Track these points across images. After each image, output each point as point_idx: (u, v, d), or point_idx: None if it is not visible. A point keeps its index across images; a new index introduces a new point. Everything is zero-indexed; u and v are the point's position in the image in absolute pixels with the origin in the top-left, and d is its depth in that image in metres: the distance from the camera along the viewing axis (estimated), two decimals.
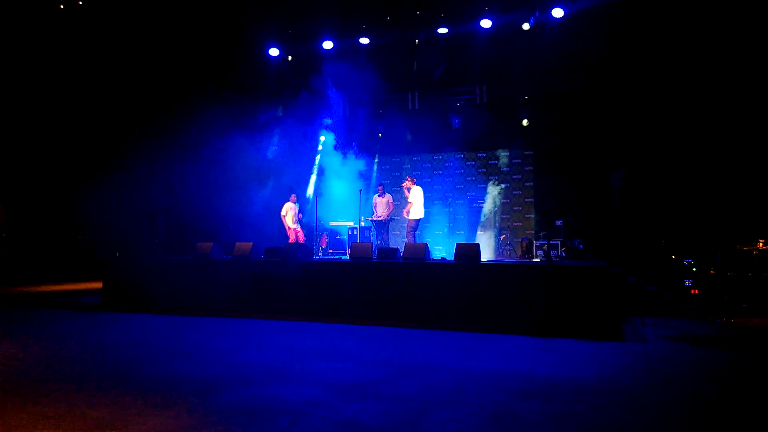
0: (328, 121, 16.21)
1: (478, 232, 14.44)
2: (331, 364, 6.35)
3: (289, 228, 13.84)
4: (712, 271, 10.64)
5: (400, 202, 16.83)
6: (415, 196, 12.28)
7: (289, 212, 13.88)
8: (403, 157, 17.41)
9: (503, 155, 16.07)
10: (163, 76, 16.24)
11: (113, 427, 4.30)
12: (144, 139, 17.03)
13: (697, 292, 11.03)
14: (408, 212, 12.28)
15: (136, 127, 17.20)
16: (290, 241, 13.68)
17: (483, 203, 14.58)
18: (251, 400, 4.94)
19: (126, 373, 5.92)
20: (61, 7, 14.64)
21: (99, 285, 11.67)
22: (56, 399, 4.96)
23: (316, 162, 16.55)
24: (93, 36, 15.87)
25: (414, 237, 12.23)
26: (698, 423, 4.52)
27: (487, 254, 13.19)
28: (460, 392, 5.22)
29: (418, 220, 12.24)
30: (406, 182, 12.53)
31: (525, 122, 15.35)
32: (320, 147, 16.76)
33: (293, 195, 14.14)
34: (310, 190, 15.31)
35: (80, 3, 14.54)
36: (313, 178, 16.36)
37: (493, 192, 15.45)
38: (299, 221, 14.09)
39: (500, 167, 16.06)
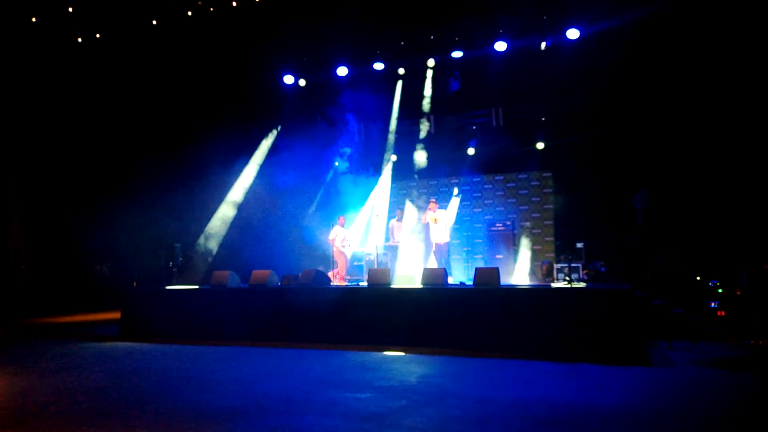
0: (347, 150, 16.23)
1: (497, 256, 14.26)
2: (351, 393, 6.22)
3: (339, 252, 13.12)
4: (738, 292, 10.36)
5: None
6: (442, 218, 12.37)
7: (338, 236, 13.19)
8: (419, 181, 17.35)
9: (521, 177, 15.93)
10: (177, 106, 16.46)
11: None
12: (160, 169, 17.21)
13: (723, 314, 10.74)
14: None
15: (151, 157, 17.38)
16: (339, 267, 13.12)
17: (501, 227, 14.39)
18: (272, 431, 4.83)
19: (146, 404, 5.85)
20: (79, 40, 14.94)
21: (117, 315, 11.67)
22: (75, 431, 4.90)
23: (332, 187, 16.55)
24: (109, 69, 16.20)
25: (442, 261, 12.20)
26: None
27: (506, 278, 13.00)
28: (483, 422, 5.07)
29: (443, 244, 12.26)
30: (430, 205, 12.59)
31: (540, 145, 15.23)
32: (335, 172, 16.78)
33: (342, 218, 13.54)
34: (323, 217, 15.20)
35: (97, 36, 14.85)
36: (328, 202, 16.32)
37: (511, 215, 15.29)
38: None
39: (518, 190, 15.92)
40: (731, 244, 11.54)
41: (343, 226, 13.49)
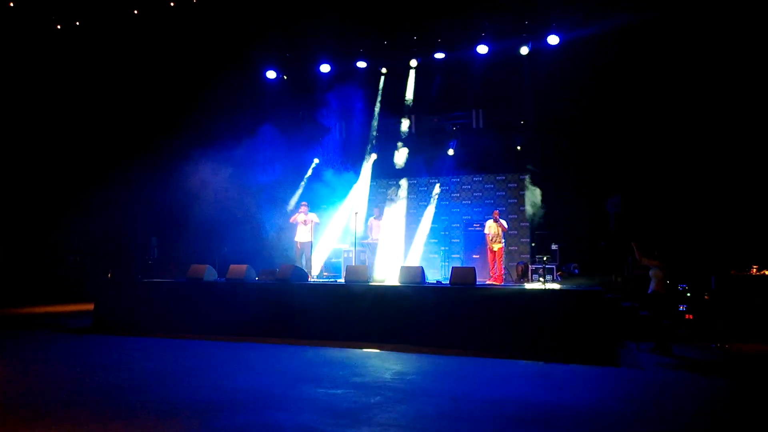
0: (327, 153, 16.24)
1: (474, 256, 14.41)
2: (326, 389, 6.27)
3: (492, 251, 12.63)
4: (706, 297, 10.62)
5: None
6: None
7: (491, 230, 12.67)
8: (399, 179, 17.41)
9: (499, 179, 16.11)
10: (157, 98, 16.29)
11: None
12: (138, 162, 17.00)
13: (691, 317, 11.01)
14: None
15: (128, 150, 17.18)
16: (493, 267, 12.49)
17: (479, 227, 14.54)
18: (245, 426, 4.87)
19: (118, 397, 5.84)
20: (59, 27, 14.72)
21: (90, 307, 11.55)
22: (46, 424, 4.88)
23: (308, 184, 16.54)
24: (90, 57, 15.97)
25: (302, 259, 12.81)
26: None
27: (482, 278, 13.15)
28: (455, 419, 5.16)
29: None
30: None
31: (518, 148, 15.41)
32: (314, 168, 16.76)
33: (496, 211, 13.02)
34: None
35: (77, 24, 14.63)
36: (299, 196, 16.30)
37: (489, 216, 15.45)
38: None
39: (496, 191, 16.09)
40: (700, 250, 11.83)
41: (497, 220, 12.77)
